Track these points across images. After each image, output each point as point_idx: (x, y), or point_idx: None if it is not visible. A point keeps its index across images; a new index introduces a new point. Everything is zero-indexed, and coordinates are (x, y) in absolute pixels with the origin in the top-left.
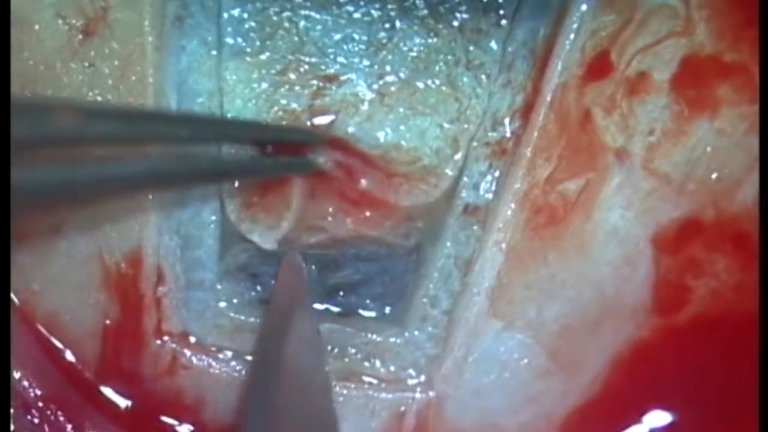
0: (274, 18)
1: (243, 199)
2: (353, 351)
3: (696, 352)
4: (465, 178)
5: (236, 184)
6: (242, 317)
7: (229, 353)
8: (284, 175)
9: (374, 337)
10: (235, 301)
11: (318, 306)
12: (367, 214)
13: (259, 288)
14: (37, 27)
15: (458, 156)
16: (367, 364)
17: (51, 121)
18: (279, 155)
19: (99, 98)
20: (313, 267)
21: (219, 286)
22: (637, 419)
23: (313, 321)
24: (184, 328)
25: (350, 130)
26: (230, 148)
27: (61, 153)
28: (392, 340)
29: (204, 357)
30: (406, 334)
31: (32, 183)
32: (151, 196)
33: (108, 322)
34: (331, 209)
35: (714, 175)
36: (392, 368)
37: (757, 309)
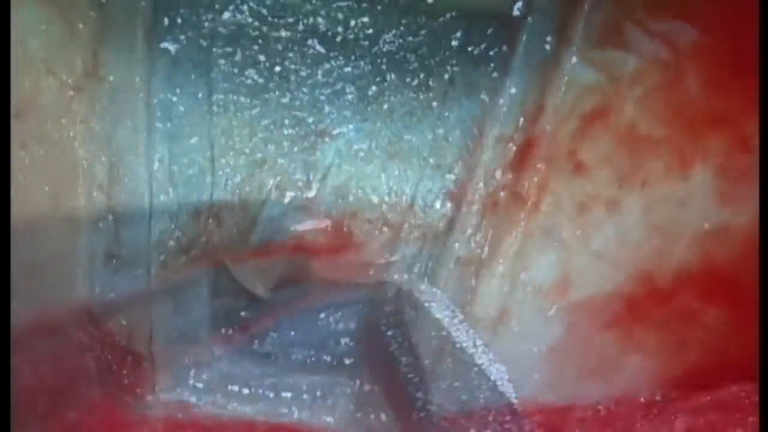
0: (265, 72)
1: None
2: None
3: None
4: (457, 232)
5: None
6: (235, 371)
7: (222, 406)
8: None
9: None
10: (227, 354)
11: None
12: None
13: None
14: (26, 83)
15: (450, 210)
16: None
17: None
18: None
19: (90, 155)
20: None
21: (211, 341)
22: None
23: None
24: (176, 383)
25: (342, 185)
26: None
27: None
28: None
29: (197, 411)
30: None
31: None
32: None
33: (100, 382)
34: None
35: (706, 225)
36: None
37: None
